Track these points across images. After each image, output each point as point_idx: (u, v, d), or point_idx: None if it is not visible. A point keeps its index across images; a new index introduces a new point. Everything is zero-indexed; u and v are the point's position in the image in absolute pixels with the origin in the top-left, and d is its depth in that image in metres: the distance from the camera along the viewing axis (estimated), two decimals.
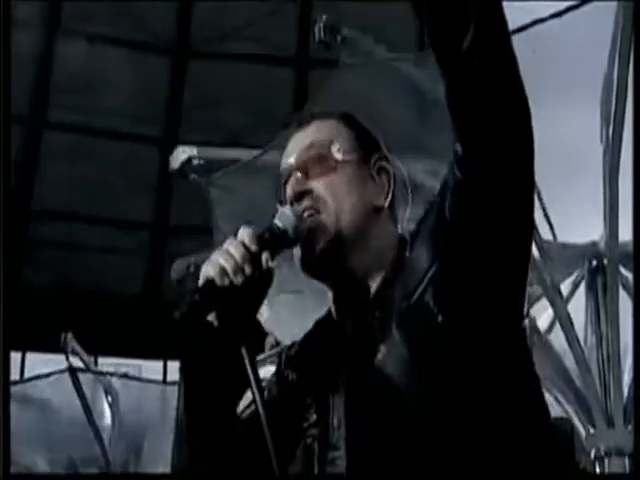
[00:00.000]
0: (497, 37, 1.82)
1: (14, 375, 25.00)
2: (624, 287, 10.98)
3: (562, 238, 11.16)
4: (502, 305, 1.99)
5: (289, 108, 21.92)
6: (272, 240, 2.04)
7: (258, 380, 1.96)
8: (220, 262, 1.95)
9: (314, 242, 2.06)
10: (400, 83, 10.07)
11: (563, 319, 10.89)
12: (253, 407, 2.00)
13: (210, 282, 1.93)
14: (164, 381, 21.54)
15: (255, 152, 10.54)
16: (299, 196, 2.10)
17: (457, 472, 1.87)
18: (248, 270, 1.94)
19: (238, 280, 1.92)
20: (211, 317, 1.98)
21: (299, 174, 2.13)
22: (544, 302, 10.94)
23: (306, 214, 2.09)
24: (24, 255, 23.89)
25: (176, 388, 13.83)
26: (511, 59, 1.85)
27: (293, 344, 2.29)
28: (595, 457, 10.80)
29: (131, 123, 22.93)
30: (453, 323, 1.91)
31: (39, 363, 20.65)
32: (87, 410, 13.42)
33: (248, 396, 2.04)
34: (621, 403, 10.81)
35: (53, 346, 22.02)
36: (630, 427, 10.71)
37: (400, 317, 1.95)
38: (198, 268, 8.04)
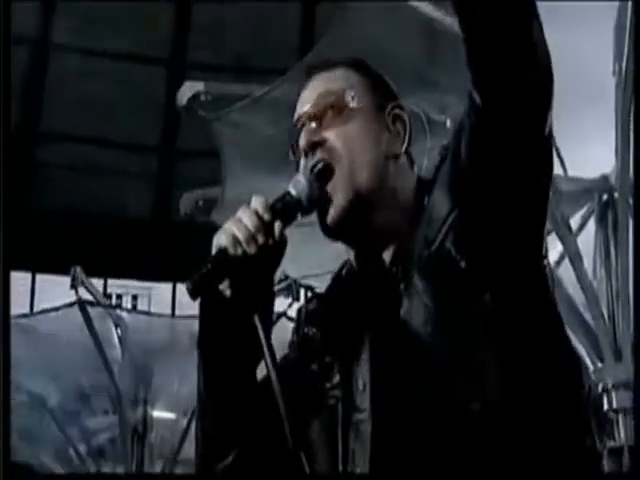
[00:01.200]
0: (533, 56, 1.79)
1: (24, 299, 25.36)
2: (635, 220, 10.90)
3: (572, 172, 11.05)
4: (523, 246, 1.95)
5: (297, 38, 21.94)
6: (285, 209, 1.96)
7: (271, 349, 1.92)
8: (233, 231, 1.88)
9: (332, 203, 1.98)
10: (408, 20, 9.95)
11: (572, 253, 10.88)
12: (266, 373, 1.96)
13: (223, 251, 1.88)
14: (172, 314, 21.71)
15: (263, 88, 10.36)
16: (313, 146, 2.01)
17: (483, 436, 1.82)
18: (261, 239, 1.88)
19: (251, 249, 1.87)
20: (224, 286, 1.92)
21: (313, 124, 2.04)
22: (553, 237, 10.90)
23: (320, 166, 2.00)
24: (33, 177, 24.05)
25: (184, 321, 13.93)
26: (534, 17, 1.79)
27: (312, 298, 2.24)
28: (603, 390, 10.82)
29: (136, 45, 22.94)
30: (475, 268, 1.87)
31: (49, 295, 20.97)
32: (97, 341, 13.47)
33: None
34: (629, 337, 10.75)
35: (62, 269, 22.35)
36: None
37: (422, 267, 1.91)
38: (206, 202, 7.91)
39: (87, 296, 13.73)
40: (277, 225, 1.92)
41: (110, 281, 25.46)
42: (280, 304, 10.55)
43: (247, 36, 22.05)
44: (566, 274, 10.90)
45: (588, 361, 10.87)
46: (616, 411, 10.78)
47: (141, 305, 26.28)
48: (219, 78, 19.90)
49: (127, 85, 22.71)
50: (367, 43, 9.71)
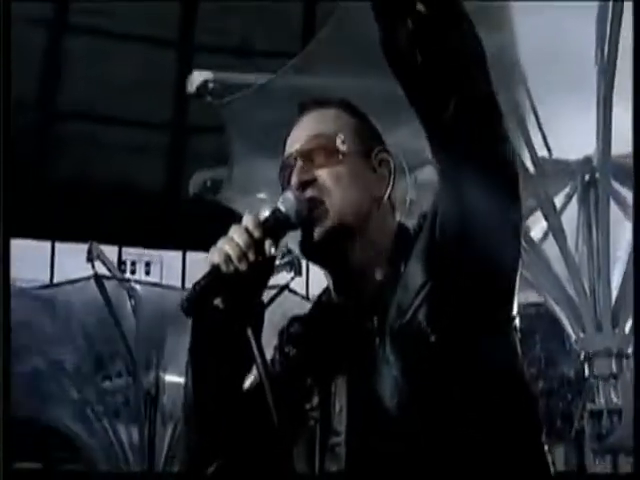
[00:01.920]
0: (481, 105, 1.80)
1: (44, 268, 25.35)
2: (615, 199, 11.05)
3: (556, 154, 11.15)
4: (492, 320, 1.96)
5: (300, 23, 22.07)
6: (275, 225, 1.97)
7: (264, 359, 1.96)
8: (225, 249, 1.89)
9: (315, 229, 2.00)
10: None
11: (556, 230, 11.02)
12: (257, 383, 1.99)
13: (216, 268, 1.89)
14: (182, 287, 21.74)
15: (266, 77, 10.54)
16: (304, 184, 2.01)
17: (456, 464, 1.87)
18: (252, 257, 1.89)
19: (242, 267, 1.88)
20: (217, 301, 1.94)
21: (304, 163, 2.04)
22: (538, 214, 11.03)
23: (310, 204, 2.00)
24: (54, 152, 24.09)
25: None
26: (497, 119, 1.85)
27: (293, 320, 2.20)
28: (585, 358, 11.05)
29: (149, 28, 22.88)
30: (444, 342, 1.89)
31: (69, 262, 20.86)
32: (111, 311, 13.49)
33: (254, 373, 2.03)
34: (609, 308, 10.97)
35: (81, 237, 22.45)
36: (617, 330, 10.90)
37: (394, 337, 1.93)
38: (214, 182, 8.32)
39: (103, 269, 13.80)
40: (267, 242, 1.92)
41: (125, 249, 25.52)
42: (282, 278, 10.75)
43: (251, 20, 22.06)
44: (550, 249, 11.04)
45: (571, 331, 11.05)
46: (596, 377, 11.00)
47: (154, 271, 26.06)
48: (225, 60, 19.99)
49: (141, 66, 22.76)
50: (367, 34, 9.91)
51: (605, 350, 10.98)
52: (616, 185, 11.15)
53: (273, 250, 1.95)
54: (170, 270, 25.27)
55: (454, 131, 1.76)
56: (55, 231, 24.00)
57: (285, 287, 9.92)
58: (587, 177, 11.21)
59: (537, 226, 11.12)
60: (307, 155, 2.06)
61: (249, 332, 1.93)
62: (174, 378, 14.41)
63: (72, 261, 18.19)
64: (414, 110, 1.80)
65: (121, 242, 24.85)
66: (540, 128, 10.94)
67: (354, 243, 2.01)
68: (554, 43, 10.07)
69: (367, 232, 2.03)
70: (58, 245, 25.01)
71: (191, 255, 24.73)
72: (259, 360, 1.93)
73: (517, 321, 2.03)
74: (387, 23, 1.74)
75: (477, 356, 1.90)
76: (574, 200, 11.32)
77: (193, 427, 2.11)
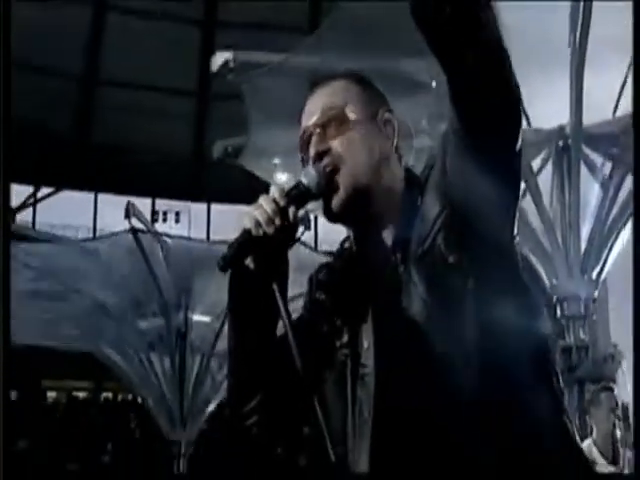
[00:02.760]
0: (497, 59, 1.77)
1: (88, 220, 25.48)
2: (585, 163, 10.99)
3: (535, 124, 11.03)
4: (500, 239, 1.94)
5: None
6: (298, 195, 1.99)
7: (287, 310, 1.98)
8: (255, 215, 1.93)
9: (334, 197, 2.00)
10: None
11: (533, 190, 10.98)
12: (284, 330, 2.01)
13: (247, 232, 1.92)
14: (207, 239, 21.89)
15: (281, 56, 10.35)
16: (320, 155, 2.01)
17: (470, 394, 1.85)
18: (278, 222, 1.91)
19: (270, 230, 1.90)
20: (248, 261, 1.97)
21: (318, 134, 2.04)
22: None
23: (328, 169, 2.00)
24: (95, 117, 24.20)
25: (217, 245, 14.07)
26: (508, 68, 1.80)
27: (321, 267, 2.20)
28: (557, 301, 11.00)
29: (177, 6, 22.99)
30: (461, 262, 1.88)
31: (109, 219, 21.05)
32: (146, 259, 13.55)
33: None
34: (579, 258, 10.91)
35: (121, 191, 22.66)
36: (586, 277, 10.87)
37: (417, 260, 1.92)
38: (234, 148, 8.19)
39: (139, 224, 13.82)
40: (291, 210, 1.94)
41: (158, 200, 25.77)
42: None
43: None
44: (528, 207, 10.95)
45: (545, 278, 10.99)
46: (567, 318, 10.99)
47: (182, 219, 26.38)
48: (244, 37, 19.97)
49: (170, 41, 22.75)
50: (369, 18, 9.79)
51: (575, 294, 10.95)
52: (587, 150, 11.10)
53: (297, 216, 1.97)
54: (197, 219, 25.66)
55: (473, 77, 1.75)
56: (100, 185, 24.25)
57: (297, 240, 9.85)
58: (561, 143, 11.07)
59: None
60: (321, 127, 2.05)
61: (275, 286, 1.96)
62: (200, 317, 14.55)
63: (114, 212, 18.41)
64: (438, 60, 1.79)
65: (154, 194, 25.11)
66: (521, 102, 10.80)
67: (371, 199, 2.02)
68: (536, 31, 9.94)
69: (380, 185, 2.03)
70: (101, 196, 25.31)
71: (215, 206, 25.10)
72: (283, 310, 1.97)
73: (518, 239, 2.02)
74: None
75: (489, 272, 1.90)
76: (549, 164, 11.21)
77: (236, 370, 2.13)
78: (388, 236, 2.03)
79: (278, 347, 2.01)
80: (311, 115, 2.09)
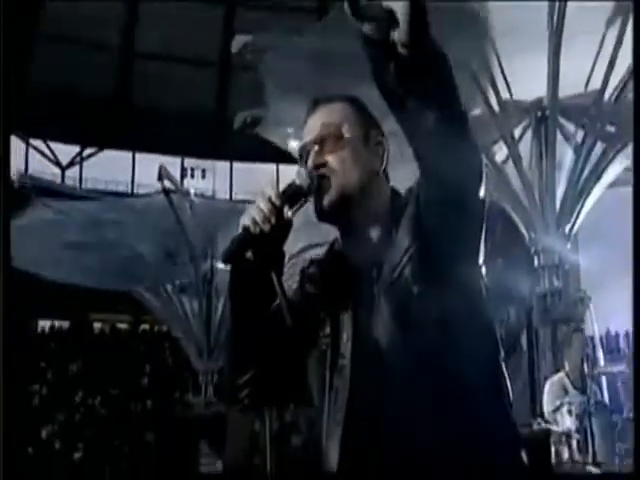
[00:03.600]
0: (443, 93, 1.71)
1: (127, 176, 25.58)
2: (560, 131, 10.82)
3: (516, 96, 10.83)
4: (463, 275, 1.91)
5: None
6: (291, 195, 1.96)
7: (284, 294, 1.97)
8: (253, 215, 1.90)
9: (324, 198, 1.98)
10: None
11: (514, 155, 10.84)
12: (280, 312, 1.97)
13: (246, 229, 1.91)
14: (230, 199, 21.94)
15: (295, 39, 10.18)
16: (317, 167, 1.99)
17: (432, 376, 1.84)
18: (273, 220, 1.90)
19: (266, 228, 1.89)
20: (249, 254, 1.94)
21: (316, 149, 2.01)
22: (501, 143, 10.89)
23: (319, 179, 1.98)
24: (132, 85, 24.26)
25: (240, 203, 14.05)
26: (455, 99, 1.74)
27: (312, 262, 2.18)
28: (534, 252, 10.91)
29: None
30: (424, 294, 1.86)
31: (145, 176, 21.29)
32: (176, 215, 13.59)
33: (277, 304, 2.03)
34: (554, 215, 10.78)
35: (155, 150, 22.79)
36: (559, 231, 10.79)
37: (387, 288, 1.90)
38: (253, 120, 7.98)
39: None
40: (285, 208, 1.92)
41: (186, 159, 26.00)
42: None
43: None
44: (509, 170, 10.86)
45: (525, 232, 10.91)
46: (542, 267, 10.89)
47: (208, 176, 26.62)
48: (262, 18, 19.92)
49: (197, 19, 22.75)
50: None
51: (550, 247, 10.87)
52: (562, 120, 10.90)
53: (290, 214, 1.96)
54: (221, 176, 25.88)
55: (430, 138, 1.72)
56: (137, 145, 24.51)
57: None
58: (539, 114, 10.89)
59: (500, 152, 11.01)
60: (319, 143, 2.01)
61: (273, 275, 1.95)
62: (224, 265, 14.58)
63: (149, 169, 18.56)
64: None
65: (184, 153, 25.35)
66: (504, 77, 10.76)
67: (356, 208, 2.00)
68: (516, 12, 9.81)
69: (366, 199, 2.00)
70: (138, 155, 25.56)
71: (236, 164, 25.27)
72: (281, 295, 1.96)
73: (483, 269, 1.97)
74: (376, 62, 1.66)
75: (451, 300, 1.86)
76: (529, 132, 11.03)
77: (231, 346, 2.13)
78: (370, 245, 2.00)
79: (270, 330, 1.99)
80: (311, 131, 2.06)
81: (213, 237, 13.10)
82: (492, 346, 1.98)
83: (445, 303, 1.86)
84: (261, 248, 1.94)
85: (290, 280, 2.13)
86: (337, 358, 1.97)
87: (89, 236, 13.53)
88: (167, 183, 13.46)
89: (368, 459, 1.88)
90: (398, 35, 1.57)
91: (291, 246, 2.10)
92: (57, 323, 23.67)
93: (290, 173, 2.08)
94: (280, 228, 1.94)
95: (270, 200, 1.92)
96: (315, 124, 2.06)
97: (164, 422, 15.88)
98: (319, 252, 2.20)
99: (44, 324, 23.95)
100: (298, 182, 1.98)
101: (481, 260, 1.94)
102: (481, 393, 1.88)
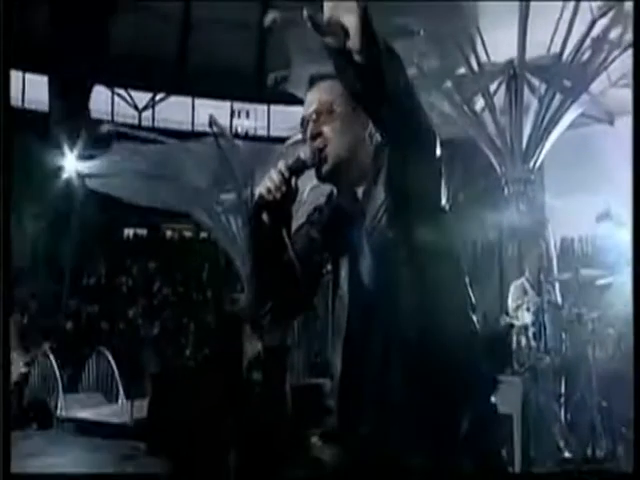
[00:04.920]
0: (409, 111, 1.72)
1: (187, 118, 25.49)
2: (527, 85, 10.56)
3: (493, 58, 10.52)
4: (429, 220, 1.88)
5: None
6: (297, 168, 1.95)
7: (293, 245, 1.98)
8: (267, 184, 1.89)
9: (324, 165, 1.96)
10: None
11: (490, 105, 10.64)
12: (289, 259, 2.02)
13: (261, 197, 1.90)
14: (268, 135, 21.74)
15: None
16: (314, 136, 1.97)
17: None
18: (283, 188, 1.89)
19: (277, 195, 1.88)
20: (264, 216, 1.94)
21: (313, 121, 1.98)
22: (479, 96, 10.65)
23: (318, 147, 1.96)
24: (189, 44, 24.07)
25: (274, 143, 13.86)
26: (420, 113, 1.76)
27: (315, 210, 2.15)
28: (505, 183, 10.76)
29: None
30: (398, 236, 1.85)
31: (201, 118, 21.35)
32: (223, 155, 13.45)
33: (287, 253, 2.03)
34: (521, 152, 10.58)
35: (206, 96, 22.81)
36: (525, 166, 10.59)
37: (369, 234, 1.90)
38: (281, 78, 7.84)
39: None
40: (293, 179, 1.92)
41: (235, 103, 25.95)
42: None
43: None
44: (487, 118, 10.67)
45: (497, 167, 10.80)
46: (511, 194, 10.69)
47: (251, 116, 26.68)
48: None
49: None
50: None
51: (518, 178, 10.72)
52: (528, 76, 10.60)
53: (297, 183, 1.95)
54: (260, 116, 25.93)
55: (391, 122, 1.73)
56: (196, 92, 24.53)
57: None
58: (511, 72, 10.59)
59: (478, 103, 10.79)
60: (316, 115, 1.99)
61: (283, 231, 1.96)
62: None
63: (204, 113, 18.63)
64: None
65: (233, 98, 25.32)
66: (483, 44, 10.43)
67: (346, 171, 1.97)
68: None
69: (355, 161, 1.97)
70: (197, 101, 25.58)
71: (273, 107, 25.12)
72: (289, 246, 1.97)
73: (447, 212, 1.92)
74: (338, 67, 1.65)
75: (419, 238, 1.85)
76: (502, 87, 10.74)
77: (253, 287, 2.19)
78: (356, 199, 1.99)
79: (283, 271, 2.01)
80: (309, 105, 2.02)
81: (252, 170, 12.97)
82: (456, 267, 1.95)
83: (414, 241, 1.85)
84: (274, 211, 1.93)
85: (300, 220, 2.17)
86: (337, 289, 1.98)
87: (158, 169, 13.50)
88: (215, 128, 13.29)
89: (364, 363, 1.90)
90: (352, 44, 1.55)
91: (306, 184, 2.10)
92: (138, 231, 23.90)
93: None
94: (288, 194, 1.92)
95: (281, 172, 1.91)
96: (312, 99, 2.02)
97: (218, 309, 16.08)
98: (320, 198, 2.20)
99: (128, 232, 24.21)
100: (303, 157, 1.97)
101: (444, 202, 1.91)
102: (449, 305, 1.89)
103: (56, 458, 9.99)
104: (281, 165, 1.93)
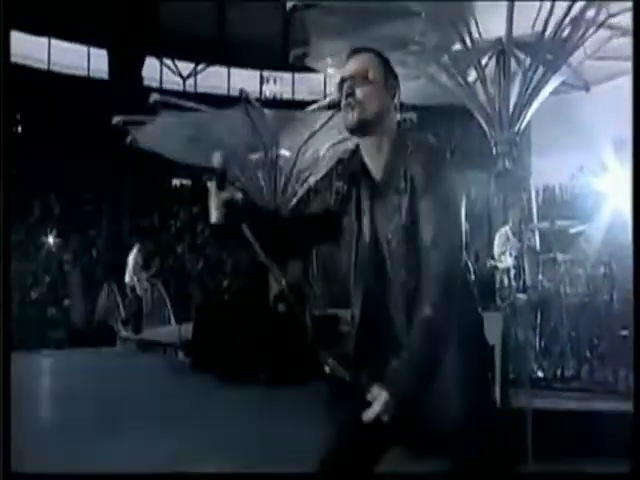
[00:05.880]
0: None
1: (224, 84, 25.13)
2: (514, 59, 10.16)
3: (484, 36, 10.12)
4: (438, 187, 1.82)
5: None
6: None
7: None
8: None
9: (351, 120, 1.89)
10: None
11: (482, 77, 10.31)
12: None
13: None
14: (292, 103, 21.29)
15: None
16: (348, 95, 1.89)
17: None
18: None
19: None
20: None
21: (349, 83, 1.91)
22: (472, 68, 10.33)
23: (352, 103, 1.90)
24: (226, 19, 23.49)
25: (293, 112, 13.61)
26: None
27: (339, 162, 2.07)
28: (494, 144, 10.41)
29: None
30: (413, 195, 1.82)
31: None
32: (253, 121, 13.24)
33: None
34: (508, 118, 10.26)
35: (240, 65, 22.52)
36: (511, 130, 10.31)
37: (383, 193, 1.88)
38: (303, 53, 7.69)
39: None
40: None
41: (264, 72, 25.60)
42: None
43: None
44: (478, 88, 10.32)
45: (487, 130, 10.48)
46: (499, 154, 10.27)
47: (278, 82, 26.22)
48: None
49: None
50: None
51: (504, 140, 10.35)
52: (515, 51, 10.18)
53: None
54: (286, 83, 25.45)
55: None
56: (231, 62, 24.20)
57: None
58: (499, 48, 10.17)
59: (471, 75, 10.48)
60: (352, 78, 1.92)
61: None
62: (285, 152, 14.26)
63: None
64: None
65: (263, 68, 24.96)
66: (475, 22, 10.07)
67: (371, 130, 1.91)
68: None
69: (379, 125, 1.91)
70: (233, 70, 25.25)
71: (297, 74, 24.74)
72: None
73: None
74: None
75: (425, 194, 1.81)
76: (493, 60, 10.34)
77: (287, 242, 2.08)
78: (377, 159, 1.93)
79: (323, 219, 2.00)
80: (348, 70, 1.95)
81: (277, 133, 12.86)
82: (457, 216, 1.85)
83: (425, 192, 1.81)
84: None
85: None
86: (360, 233, 1.92)
87: (197, 133, 13.32)
88: (245, 97, 13.07)
89: (380, 311, 1.87)
90: None
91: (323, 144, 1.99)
92: (184, 181, 23.88)
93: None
94: None
95: None
96: (352, 65, 1.96)
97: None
98: (343, 149, 2.09)
99: (176, 182, 24.22)
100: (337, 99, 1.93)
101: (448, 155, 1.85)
102: (449, 246, 1.79)
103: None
104: None
